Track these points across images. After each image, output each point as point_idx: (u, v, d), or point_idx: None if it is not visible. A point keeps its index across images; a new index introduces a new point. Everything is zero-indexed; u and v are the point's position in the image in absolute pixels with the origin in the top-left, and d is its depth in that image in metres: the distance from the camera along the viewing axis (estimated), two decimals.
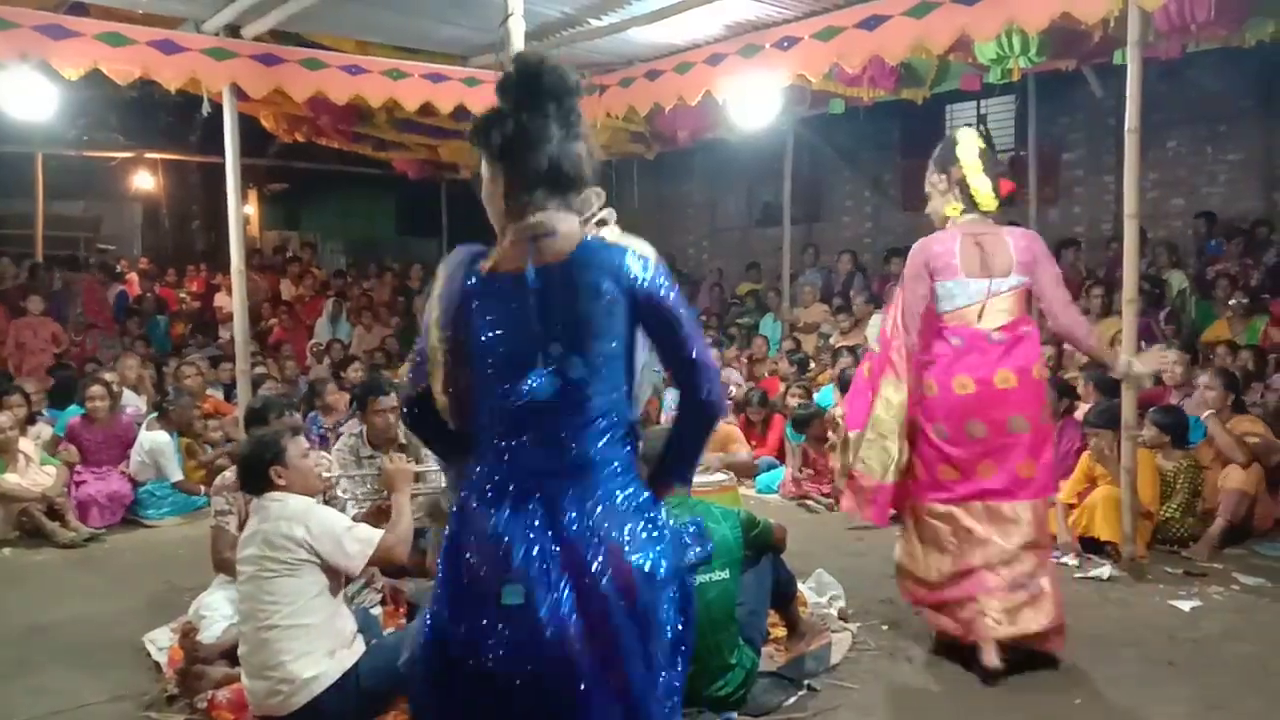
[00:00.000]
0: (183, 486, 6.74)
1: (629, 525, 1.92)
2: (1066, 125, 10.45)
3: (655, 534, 1.95)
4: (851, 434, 3.85)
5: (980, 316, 3.70)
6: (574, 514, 1.89)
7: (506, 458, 1.94)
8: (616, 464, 1.95)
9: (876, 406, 3.76)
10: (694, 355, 1.96)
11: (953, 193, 3.83)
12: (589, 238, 1.96)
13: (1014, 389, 3.66)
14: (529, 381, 1.90)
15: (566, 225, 1.95)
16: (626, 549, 1.89)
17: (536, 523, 1.89)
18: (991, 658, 3.57)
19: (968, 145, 3.84)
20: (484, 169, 2.02)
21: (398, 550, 3.32)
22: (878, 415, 3.75)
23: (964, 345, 3.71)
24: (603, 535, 1.89)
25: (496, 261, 1.97)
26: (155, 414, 7.01)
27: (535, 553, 1.88)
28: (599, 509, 1.90)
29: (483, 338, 1.95)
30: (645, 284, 1.93)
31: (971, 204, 3.81)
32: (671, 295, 1.96)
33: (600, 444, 1.93)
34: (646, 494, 1.99)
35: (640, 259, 1.95)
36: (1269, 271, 8.26)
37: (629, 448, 1.99)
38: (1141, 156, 5.07)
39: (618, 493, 1.93)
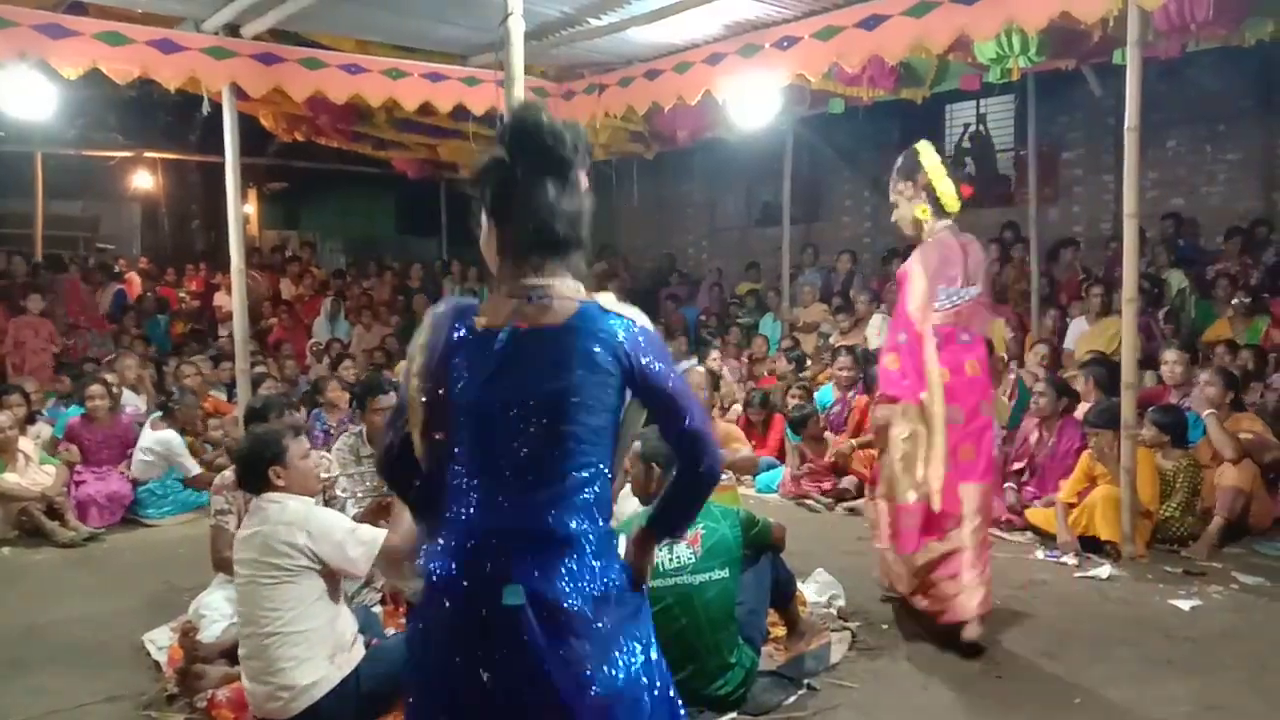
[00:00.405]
0: (197, 483, 6.71)
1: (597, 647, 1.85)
2: (1066, 125, 10.44)
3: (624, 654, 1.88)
4: (905, 405, 3.96)
5: (953, 318, 4.01)
6: (543, 626, 1.80)
7: (473, 521, 1.86)
8: (591, 541, 1.86)
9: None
10: (693, 427, 1.90)
11: (919, 198, 4.10)
12: (586, 303, 1.89)
13: (979, 377, 4.02)
14: (509, 443, 1.85)
15: (563, 289, 1.89)
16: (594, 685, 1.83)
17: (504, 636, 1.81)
18: (974, 630, 3.85)
19: (929, 153, 4.11)
20: (482, 218, 1.97)
21: (403, 549, 3.21)
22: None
23: (940, 342, 3.96)
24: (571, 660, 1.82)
25: (489, 318, 1.90)
26: (159, 413, 7.00)
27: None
28: (569, 617, 1.81)
29: (462, 395, 1.88)
30: (640, 358, 1.87)
31: (939, 207, 4.08)
32: (667, 368, 1.91)
33: (575, 518, 1.85)
34: (621, 578, 1.90)
35: (637, 330, 1.89)
36: (1269, 271, 8.26)
37: (605, 524, 1.91)
38: (1141, 156, 5.08)
39: (588, 584, 1.84)
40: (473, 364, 1.88)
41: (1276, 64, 8.69)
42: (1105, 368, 6.29)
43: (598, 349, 1.84)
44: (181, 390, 7.32)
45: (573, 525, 1.84)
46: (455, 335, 1.92)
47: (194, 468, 6.75)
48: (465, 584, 1.83)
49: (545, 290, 1.88)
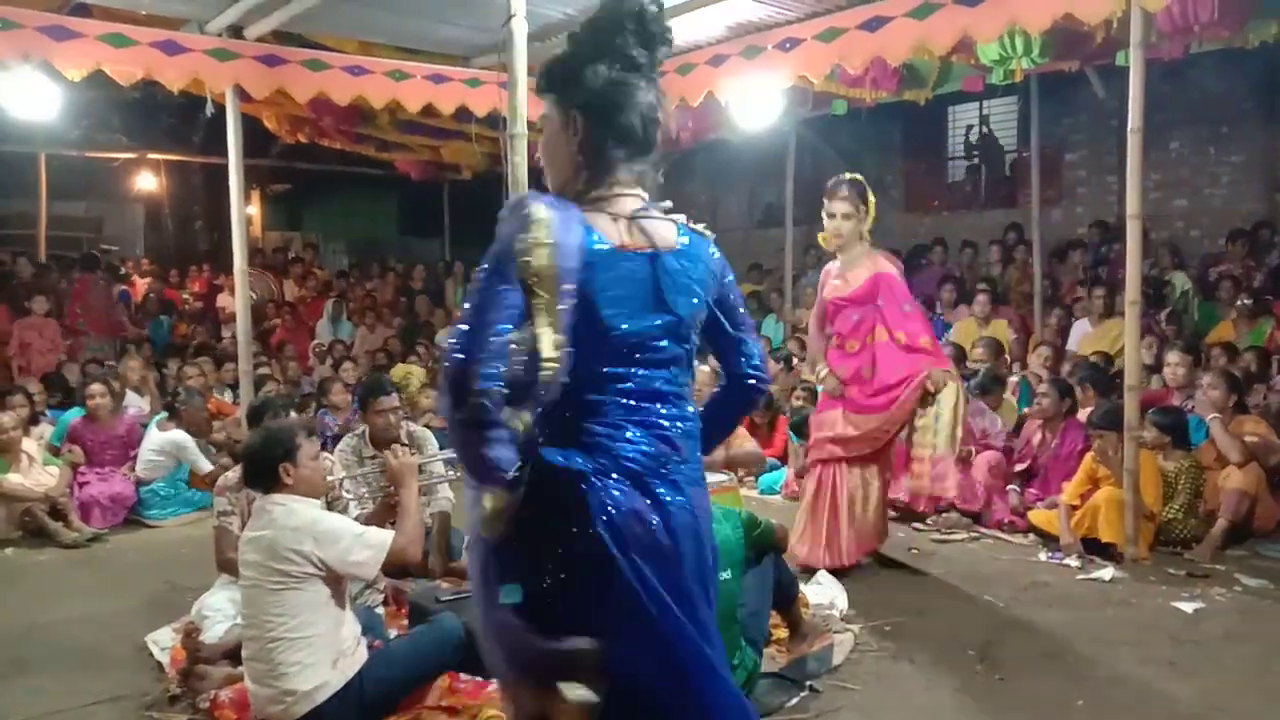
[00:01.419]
0: (201, 483, 6.69)
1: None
2: (1069, 126, 10.44)
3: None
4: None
5: None
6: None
7: (639, 446, 1.85)
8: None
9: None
10: (746, 339, 2.12)
11: (865, 220, 4.89)
12: (681, 225, 1.98)
13: None
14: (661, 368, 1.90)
15: (656, 206, 1.96)
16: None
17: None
18: None
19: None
20: (554, 112, 1.92)
21: (410, 551, 3.21)
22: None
23: None
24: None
25: (616, 238, 1.86)
26: (166, 414, 6.99)
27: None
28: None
29: (615, 320, 1.83)
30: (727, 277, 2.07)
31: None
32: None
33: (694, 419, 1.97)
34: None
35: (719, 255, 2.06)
36: (1271, 273, 8.25)
37: None
38: (1144, 157, 5.08)
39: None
40: (620, 286, 1.84)
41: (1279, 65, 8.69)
42: (1097, 370, 6.29)
43: (709, 274, 1.98)
44: (188, 391, 7.32)
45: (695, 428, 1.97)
46: (590, 245, 1.81)
47: (206, 465, 6.76)
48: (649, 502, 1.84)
49: (650, 208, 1.93)
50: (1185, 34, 6.13)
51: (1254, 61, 8.17)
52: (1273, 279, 8.13)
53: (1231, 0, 5.24)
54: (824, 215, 4.90)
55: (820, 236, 5.03)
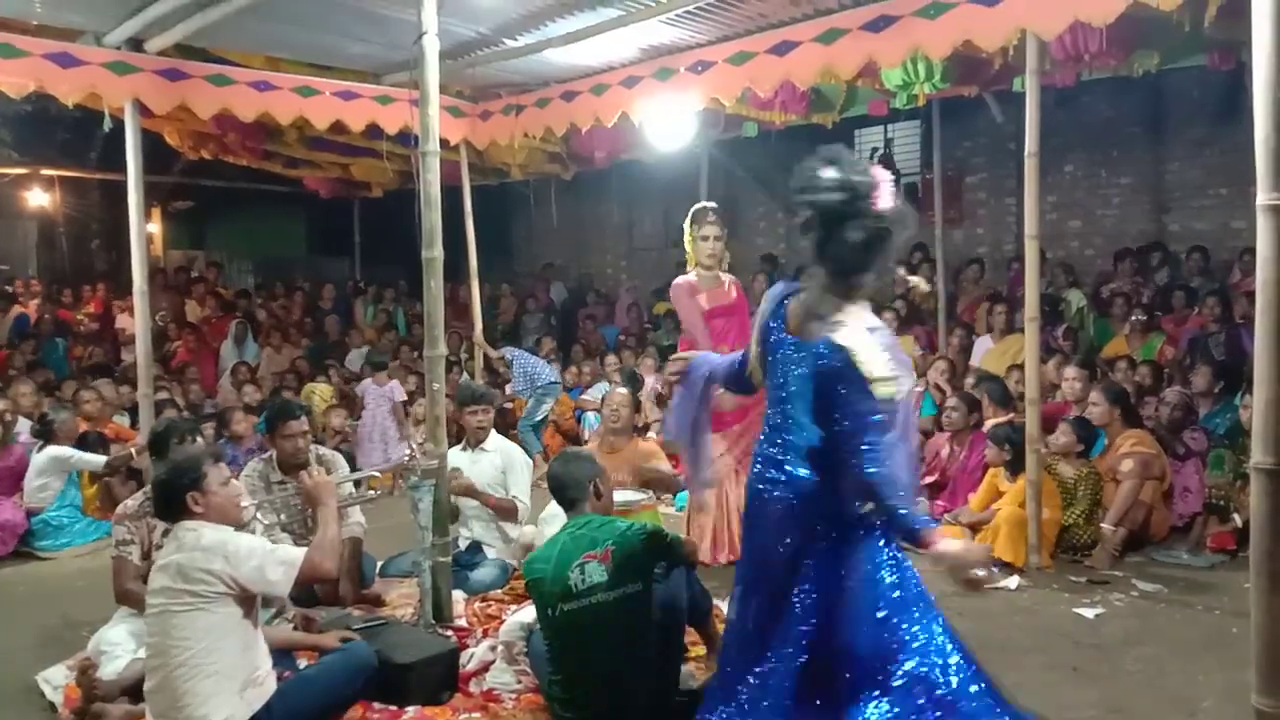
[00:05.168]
0: (94, 508, 6.43)
1: None
2: (969, 149, 10.79)
3: None
4: None
5: None
6: None
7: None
8: None
9: None
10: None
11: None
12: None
13: None
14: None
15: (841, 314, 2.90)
16: None
17: None
18: None
19: None
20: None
21: (325, 565, 3.15)
22: None
23: None
24: None
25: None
26: (42, 439, 6.67)
27: None
28: None
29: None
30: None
31: None
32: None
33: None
34: None
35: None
36: (1160, 290, 8.64)
37: None
38: (1040, 180, 5.27)
39: None
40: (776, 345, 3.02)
41: (1163, 94, 9.16)
42: (999, 384, 6.50)
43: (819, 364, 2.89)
44: (55, 407, 6.97)
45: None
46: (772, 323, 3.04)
47: (96, 460, 6.46)
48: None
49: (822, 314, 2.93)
50: (1076, 62, 6.42)
51: (1140, 90, 8.59)
52: (1161, 296, 8.52)
53: (1117, 31, 5.49)
54: (698, 239, 5.44)
55: (706, 255, 5.43)
